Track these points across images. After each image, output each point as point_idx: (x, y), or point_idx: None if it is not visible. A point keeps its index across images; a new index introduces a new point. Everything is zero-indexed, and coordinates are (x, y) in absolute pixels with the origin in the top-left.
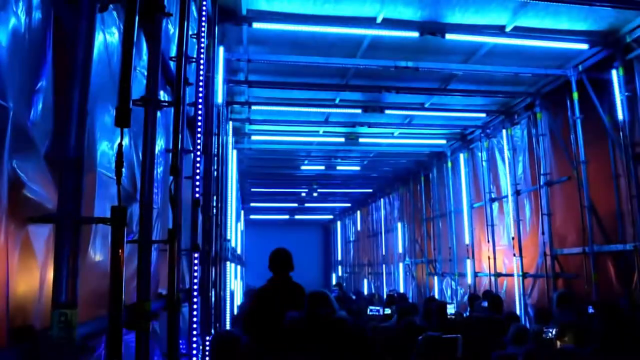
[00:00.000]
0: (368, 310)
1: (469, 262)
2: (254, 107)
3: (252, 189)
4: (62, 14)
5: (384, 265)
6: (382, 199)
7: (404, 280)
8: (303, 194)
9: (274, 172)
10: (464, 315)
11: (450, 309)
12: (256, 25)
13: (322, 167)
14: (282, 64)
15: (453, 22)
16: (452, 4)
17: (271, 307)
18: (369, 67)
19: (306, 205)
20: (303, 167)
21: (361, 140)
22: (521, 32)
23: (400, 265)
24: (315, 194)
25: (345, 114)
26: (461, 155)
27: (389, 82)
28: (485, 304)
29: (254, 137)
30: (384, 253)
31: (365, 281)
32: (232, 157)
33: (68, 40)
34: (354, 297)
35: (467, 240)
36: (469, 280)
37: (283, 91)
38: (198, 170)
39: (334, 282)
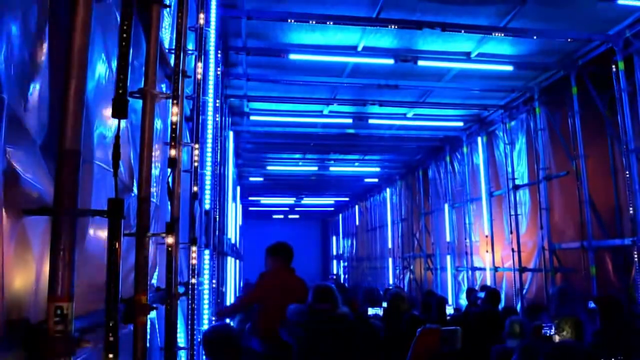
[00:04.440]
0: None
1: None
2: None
3: (251, 179)
4: (58, 3)
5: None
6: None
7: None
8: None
9: (273, 163)
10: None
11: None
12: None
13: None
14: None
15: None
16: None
17: (280, 300)
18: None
19: (304, 201)
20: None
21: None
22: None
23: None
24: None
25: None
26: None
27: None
28: (483, 294)
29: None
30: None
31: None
32: (231, 150)
33: (64, 30)
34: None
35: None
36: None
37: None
38: (196, 164)
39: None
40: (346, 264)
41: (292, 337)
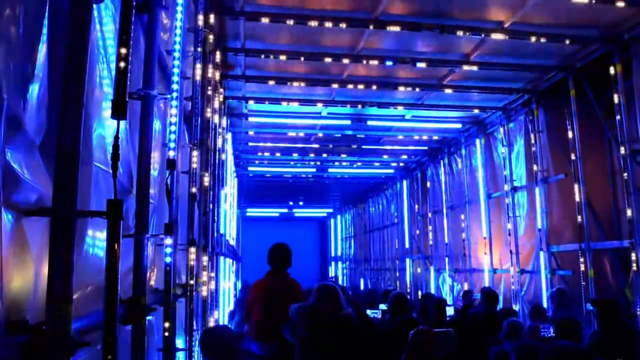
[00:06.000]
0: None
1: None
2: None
3: (249, 180)
4: (58, 4)
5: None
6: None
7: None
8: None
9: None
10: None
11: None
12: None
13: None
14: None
15: None
16: None
17: (267, 302)
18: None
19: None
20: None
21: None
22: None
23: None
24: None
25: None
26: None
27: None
28: (479, 296)
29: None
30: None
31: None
32: (229, 151)
33: (64, 31)
34: (350, 292)
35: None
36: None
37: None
38: (195, 165)
39: None
40: (345, 265)
41: (295, 337)
